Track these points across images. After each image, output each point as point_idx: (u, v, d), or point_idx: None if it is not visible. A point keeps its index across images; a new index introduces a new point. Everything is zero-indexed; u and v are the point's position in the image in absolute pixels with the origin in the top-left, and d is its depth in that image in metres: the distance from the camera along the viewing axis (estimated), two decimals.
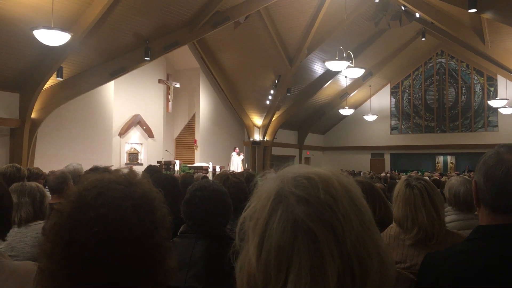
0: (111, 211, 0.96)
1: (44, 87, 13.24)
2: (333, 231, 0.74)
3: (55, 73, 13.03)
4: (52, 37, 10.24)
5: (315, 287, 0.72)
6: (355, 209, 0.78)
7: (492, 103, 22.50)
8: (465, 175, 5.07)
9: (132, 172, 1.09)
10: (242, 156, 19.42)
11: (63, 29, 10.41)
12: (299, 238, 0.74)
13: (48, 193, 3.55)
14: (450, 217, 3.23)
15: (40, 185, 3.03)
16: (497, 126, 24.91)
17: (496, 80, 24.37)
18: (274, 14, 17.23)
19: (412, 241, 2.35)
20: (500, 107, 22.40)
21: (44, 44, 10.53)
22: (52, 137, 14.76)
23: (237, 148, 19.51)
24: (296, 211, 0.76)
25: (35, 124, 13.54)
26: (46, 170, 9.21)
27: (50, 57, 12.35)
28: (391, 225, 2.52)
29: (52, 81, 13.40)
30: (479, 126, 25.56)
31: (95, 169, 3.97)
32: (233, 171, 10.22)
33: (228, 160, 19.55)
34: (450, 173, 21.09)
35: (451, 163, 26.87)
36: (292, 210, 0.76)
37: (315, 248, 0.73)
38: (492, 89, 24.92)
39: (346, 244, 0.74)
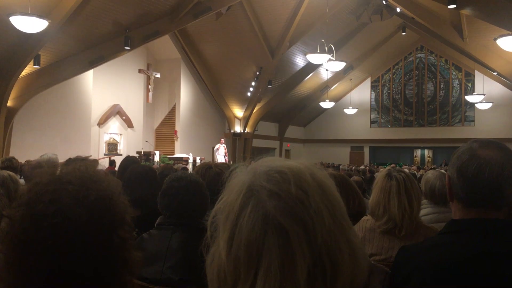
0: (65, 221, 0.93)
1: (21, 75, 12.93)
2: (303, 226, 0.72)
3: (32, 60, 12.74)
4: (29, 24, 10.02)
5: (285, 283, 0.71)
6: (327, 204, 0.76)
7: (470, 98, 22.85)
8: (441, 169, 5.14)
9: (87, 167, 1.04)
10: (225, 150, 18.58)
11: (41, 15, 10.18)
12: (269, 234, 0.72)
13: (21, 180, 3.50)
14: (426, 210, 3.29)
15: (12, 173, 2.99)
16: (473, 121, 25.34)
17: (474, 75, 24.75)
18: (256, 6, 17.15)
19: (382, 229, 2.39)
20: (477, 102, 22.76)
21: (21, 31, 10.28)
22: (28, 126, 14.47)
23: (222, 139, 19.32)
24: (267, 206, 0.74)
25: (11, 112, 13.23)
26: (22, 160, 9.06)
27: (27, 44, 12.06)
28: (366, 217, 2.55)
29: (28, 69, 13.10)
30: (456, 121, 25.97)
31: (70, 162, 3.89)
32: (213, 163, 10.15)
33: (209, 151, 19.40)
34: (428, 166, 21.42)
35: (429, 156, 27.28)
36: (263, 205, 0.74)
37: (285, 244, 0.71)
38: (469, 84, 25.32)
39: (316, 240, 0.72)
